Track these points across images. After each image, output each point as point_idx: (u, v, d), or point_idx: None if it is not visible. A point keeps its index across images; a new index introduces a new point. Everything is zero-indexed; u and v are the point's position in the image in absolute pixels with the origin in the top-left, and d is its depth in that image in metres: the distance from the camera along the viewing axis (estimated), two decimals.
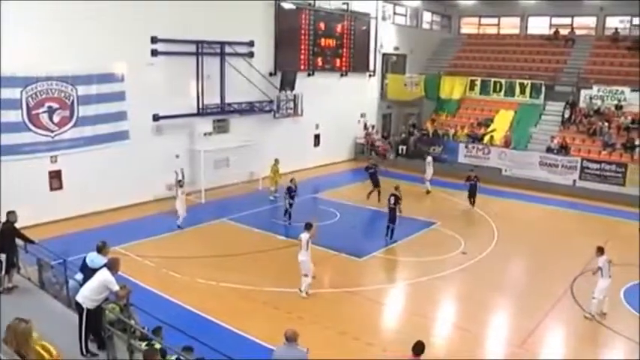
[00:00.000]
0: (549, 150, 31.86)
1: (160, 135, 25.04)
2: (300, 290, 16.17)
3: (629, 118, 32.29)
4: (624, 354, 14.33)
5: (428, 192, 28.65)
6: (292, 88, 30.58)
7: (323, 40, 33.25)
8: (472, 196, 26.04)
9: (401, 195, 21.94)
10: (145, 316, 11.27)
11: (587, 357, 13.89)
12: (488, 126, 35.24)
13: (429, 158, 29.94)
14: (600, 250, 15.55)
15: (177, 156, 25.40)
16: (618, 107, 33.33)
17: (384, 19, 38.57)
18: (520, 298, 17.27)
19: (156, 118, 24.64)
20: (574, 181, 30.29)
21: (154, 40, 24.14)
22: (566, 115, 34.13)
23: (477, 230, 23.48)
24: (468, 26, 47.25)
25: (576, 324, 15.59)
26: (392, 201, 21.52)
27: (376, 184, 26.79)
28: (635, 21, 39.61)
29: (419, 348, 9.84)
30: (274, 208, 24.63)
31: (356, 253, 19.93)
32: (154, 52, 24.27)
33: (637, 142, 30.46)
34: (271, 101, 29.43)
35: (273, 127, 30.11)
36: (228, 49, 27.14)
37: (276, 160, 26.40)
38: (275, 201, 25.44)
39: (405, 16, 42.02)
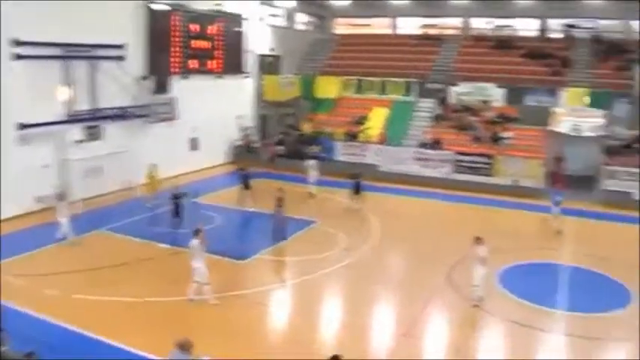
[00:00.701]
0: (423, 145, 33.07)
1: (27, 145, 23.58)
2: (207, 299, 15.76)
3: (495, 112, 34.27)
4: (503, 335, 15.16)
5: (311, 194, 28.27)
6: (167, 92, 29.88)
7: (196, 41, 32.66)
8: (356, 194, 26.36)
9: (284, 196, 22.06)
10: (19, 340, 10.55)
11: (470, 341, 14.60)
12: (363, 124, 36.03)
13: (312, 162, 29.44)
14: (479, 240, 16.20)
15: (46, 166, 24.10)
16: (485, 102, 35.23)
17: (260, 19, 38.50)
18: (402, 290, 17.79)
19: (21, 126, 23.19)
20: (447, 173, 31.64)
21: (15, 43, 22.74)
22: (438, 112, 35.62)
23: (357, 226, 23.83)
24: (342, 27, 48.20)
25: (456, 310, 16.25)
26: (277, 202, 21.54)
27: (247, 186, 26.56)
28: (498, 22, 42.49)
29: None
30: (154, 216, 23.86)
31: (239, 256, 19.73)
32: (17, 56, 22.85)
33: (502, 135, 32.36)
34: (145, 106, 28.59)
35: (148, 132, 29.31)
36: (98, 52, 26.08)
37: (153, 166, 25.49)
38: (153, 208, 24.62)
39: (280, 17, 42.19)
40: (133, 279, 17.58)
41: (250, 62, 37.55)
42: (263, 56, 39.50)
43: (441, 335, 15.21)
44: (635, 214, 25.27)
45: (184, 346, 9.20)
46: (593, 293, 17.47)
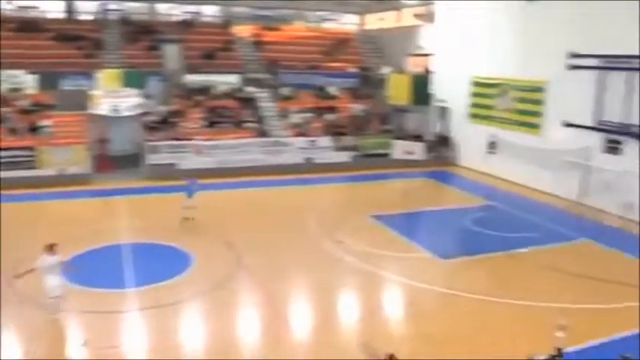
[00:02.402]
0: None
1: None
2: None
3: (29, 100, 32.54)
4: (85, 327, 14.60)
5: None
6: None
7: None
8: None
9: None
10: None
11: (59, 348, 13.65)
12: None
13: None
14: (52, 248, 14.59)
15: None
16: (16, 90, 33.02)
17: None
18: None
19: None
20: None
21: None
22: None
23: None
24: None
25: (34, 321, 14.80)
26: None
27: None
28: (20, 3, 40.37)
29: None
30: None
31: None
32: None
33: (40, 124, 31.19)
34: None
35: None
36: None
37: None
38: None
39: None
40: None
41: None
42: None
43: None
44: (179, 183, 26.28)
45: None
46: (160, 264, 18.53)
